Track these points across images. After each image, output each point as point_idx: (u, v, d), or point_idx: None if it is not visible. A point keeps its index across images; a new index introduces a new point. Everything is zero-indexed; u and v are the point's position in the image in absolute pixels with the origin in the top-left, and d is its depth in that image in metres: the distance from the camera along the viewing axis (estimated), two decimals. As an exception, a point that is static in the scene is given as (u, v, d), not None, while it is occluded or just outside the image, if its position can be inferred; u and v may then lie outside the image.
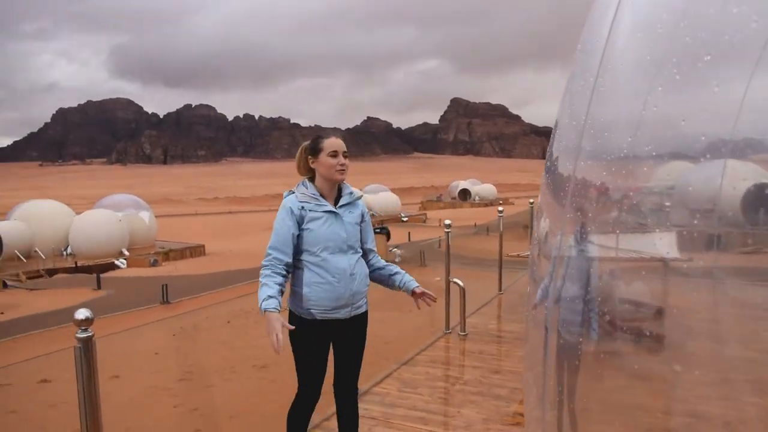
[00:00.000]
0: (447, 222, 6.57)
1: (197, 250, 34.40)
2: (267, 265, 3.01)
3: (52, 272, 27.06)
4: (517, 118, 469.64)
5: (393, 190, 68.80)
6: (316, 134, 3.25)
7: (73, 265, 28.26)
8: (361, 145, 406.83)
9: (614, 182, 1.70)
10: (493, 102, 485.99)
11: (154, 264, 29.51)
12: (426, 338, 6.55)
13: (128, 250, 31.86)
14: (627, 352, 1.68)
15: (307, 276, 3.06)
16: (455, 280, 6.25)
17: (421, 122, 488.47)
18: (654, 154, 1.60)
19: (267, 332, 2.80)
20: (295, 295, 3.12)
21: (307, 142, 3.27)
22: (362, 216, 3.28)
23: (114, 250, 31.27)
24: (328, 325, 3.10)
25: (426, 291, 3.31)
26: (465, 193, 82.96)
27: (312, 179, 3.21)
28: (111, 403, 9.20)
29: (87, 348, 2.56)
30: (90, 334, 2.57)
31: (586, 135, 1.74)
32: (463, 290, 6.25)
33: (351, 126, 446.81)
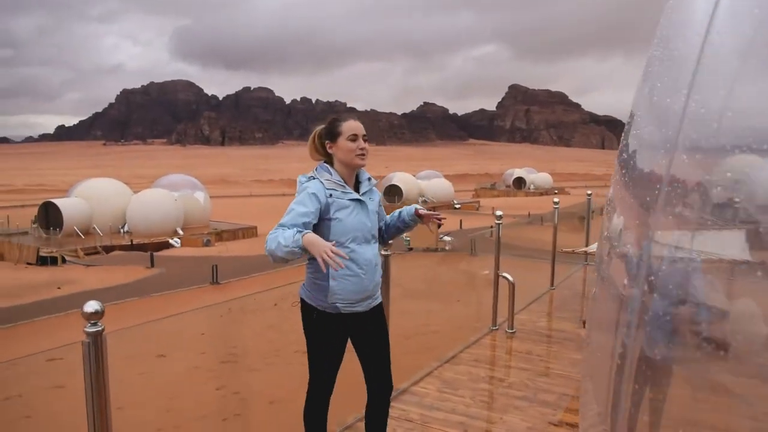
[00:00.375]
0: (498, 213, 6.22)
1: (250, 231, 34.70)
2: (272, 232, 2.77)
3: (108, 249, 27.69)
4: (577, 106, 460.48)
5: (447, 177, 68.14)
6: (333, 117, 3.03)
7: (129, 243, 28.85)
8: (416, 131, 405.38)
9: (720, 178, 1.40)
10: (553, 89, 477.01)
11: (207, 244, 29.87)
12: (471, 334, 6.26)
13: (183, 229, 32.37)
14: (732, 369, 1.37)
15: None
16: (504, 274, 5.92)
17: (477, 108, 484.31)
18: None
19: (317, 254, 2.56)
20: (318, 288, 2.92)
21: (321, 126, 3.05)
22: (379, 202, 3.14)
23: (169, 229, 31.82)
24: (350, 318, 2.96)
25: (430, 212, 3.17)
26: (520, 182, 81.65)
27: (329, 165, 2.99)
28: (154, 382, 9.28)
29: (96, 344, 2.36)
30: (100, 328, 2.37)
31: (686, 127, 1.44)
32: (512, 285, 5.93)
33: (407, 111, 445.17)
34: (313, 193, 2.81)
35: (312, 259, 2.87)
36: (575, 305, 7.39)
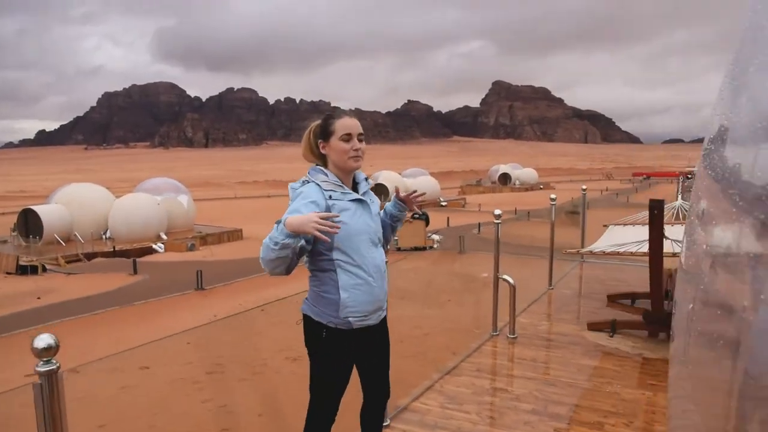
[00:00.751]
0: (497, 212, 5.88)
1: (235, 234, 34.18)
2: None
3: (90, 256, 27.08)
4: (560, 101, 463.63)
5: (432, 174, 67.85)
6: (327, 114, 2.77)
7: (112, 250, 28.27)
8: (400, 129, 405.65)
9: None
10: (536, 85, 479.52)
11: (192, 248, 29.34)
12: (470, 341, 5.93)
13: (166, 234, 31.78)
14: None
15: (343, 278, 2.60)
16: (505, 276, 5.58)
17: (461, 105, 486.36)
18: None
19: (308, 231, 2.31)
20: (326, 302, 2.64)
21: (316, 122, 2.80)
22: (378, 204, 2.94)
23: (152, 234, 31.24)
24: (361, 333, 2.70)
25: (407, 194, 2.99)
26: (505, 178, 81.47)
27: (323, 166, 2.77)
28: (137, 396, 8.87)
29: (51, 385, 1.97)
30: (54, 366, 1.99)
31: None
32: (513, 288, 5.60)
33: (391, 109, 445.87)
34: (312, 201, 2.53)
35: (316, 271, 2.65)
36: (575, 306, 7.09)
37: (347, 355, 2.73)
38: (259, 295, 16.69)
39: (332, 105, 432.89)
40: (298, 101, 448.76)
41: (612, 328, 5.85)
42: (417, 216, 26.81)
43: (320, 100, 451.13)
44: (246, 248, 29.56)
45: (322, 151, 2.72)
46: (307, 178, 2.68)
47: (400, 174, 60.71)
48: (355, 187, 2.79)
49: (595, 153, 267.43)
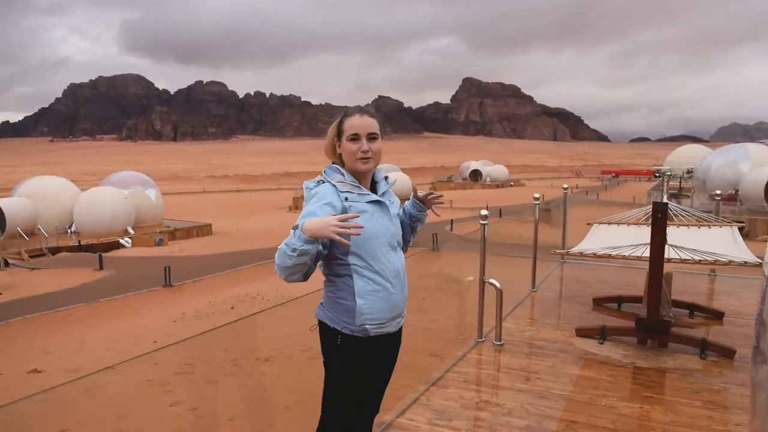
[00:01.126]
0: (483, 212, 5.60)
1: (204, 230, 33.60)
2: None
3: (54, 251, 26.28)
4: (530, 98, 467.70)
5: (404, 170, 67.54)
6: (344, 111, 2.63)
7: (77, 244, 27.50)
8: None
9: None
10: (506, 82, 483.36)
11: (160, 243, 28.73)
12: (455, 348, 5.66)
13: (134, 228, 31.07)
14: None
15: (359, 284, 2.47)
16: (491, 280, 5.31)
17: (432, 101, 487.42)
18: None
19: (327, 235, 2.19)
20: (342, 308, 2.50)
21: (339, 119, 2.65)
22: (398, 204, 2.83)
23: (119, 228, 30.52)
24: (379, 341, 2.57)
25: (427, 193, 2.90)
26: (476, 174, 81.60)
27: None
28: (103, 399, 8.46)
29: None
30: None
31: None
32: (500, 292, 5.33)
33: (362, 105, 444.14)
34: (327, 203, 2.39)
35: (331, 276, 2.51)
36: (561, 309, 6.87)
37: (363, 363, 2.55)
38: (229, 292, 16.28)
39: (303, 100, 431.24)
40: (268, 95, 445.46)
41: (602, 334, 5.63)
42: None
43: (291, 95, 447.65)
44: (215, 243, 29.03)
45: (338, 151, 2.58)
46: (322, 178, 2.52)
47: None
48: (373, 188, 2.64)
49: (565, 150, 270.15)
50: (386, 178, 2.72)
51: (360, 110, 2.58)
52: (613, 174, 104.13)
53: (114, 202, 31.09)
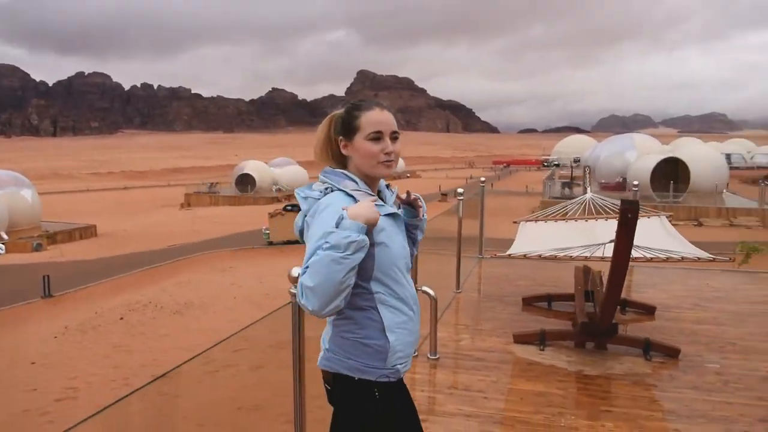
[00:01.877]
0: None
1: (88, 231, 31.41)
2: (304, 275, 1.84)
3: None
4: (423, 91, 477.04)
5: (300, 164, 66.31)
6: (351, 103, 2.13)
7: (-59, 251, 24.90)
8: (265, 117, 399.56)
9: None
10: (400, 75, 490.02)
11: (38, 248, 26.53)
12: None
13: (7, 233, 28.54)
14: None
15: (388, 317, 1.99)
16: (425, 288, 4.68)
17: (327, 94, 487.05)
18: None
19: (369, 215, 1.84)
20: (370, 351, 1.99)
21: (338, 112, 2.14)
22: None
23: (-10, 233, 27.99)
24: (402, 382, 2.12)
25: (409, 195, 2.25)
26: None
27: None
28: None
29: None
30: None
31: None
32: (435, 302, 4.71)
33: (255, 97, 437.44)
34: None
35: (348, 310, 1.97)
36: (491, 312, 6.35)
37: (403, 417, 2.10)
38: (117, 301, 14.96)
39: (193, 92, 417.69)
40: (156, 87, 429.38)
41: (541, 340, 5.14)
42: (290, 208, 25.67)
43: (180, 86, 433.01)
44: (101, 246, 27.15)
45: (343, 152, 2.11)
46: (328, 185, 2.02)
47: (267, 164, 58.80)
48: (379, 197, 2.14)
49: (457, 142, 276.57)
50: (388, 186, 2.22)
51: (378, 104, 2.08)
52: (505, 164, 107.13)
53: (-16, 204, 28.46)
